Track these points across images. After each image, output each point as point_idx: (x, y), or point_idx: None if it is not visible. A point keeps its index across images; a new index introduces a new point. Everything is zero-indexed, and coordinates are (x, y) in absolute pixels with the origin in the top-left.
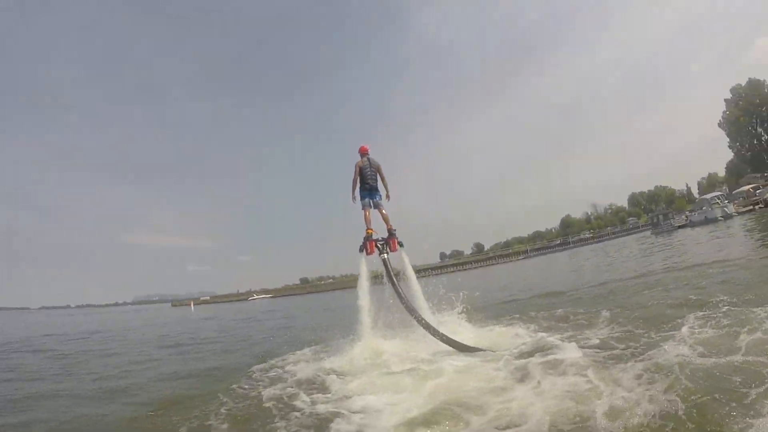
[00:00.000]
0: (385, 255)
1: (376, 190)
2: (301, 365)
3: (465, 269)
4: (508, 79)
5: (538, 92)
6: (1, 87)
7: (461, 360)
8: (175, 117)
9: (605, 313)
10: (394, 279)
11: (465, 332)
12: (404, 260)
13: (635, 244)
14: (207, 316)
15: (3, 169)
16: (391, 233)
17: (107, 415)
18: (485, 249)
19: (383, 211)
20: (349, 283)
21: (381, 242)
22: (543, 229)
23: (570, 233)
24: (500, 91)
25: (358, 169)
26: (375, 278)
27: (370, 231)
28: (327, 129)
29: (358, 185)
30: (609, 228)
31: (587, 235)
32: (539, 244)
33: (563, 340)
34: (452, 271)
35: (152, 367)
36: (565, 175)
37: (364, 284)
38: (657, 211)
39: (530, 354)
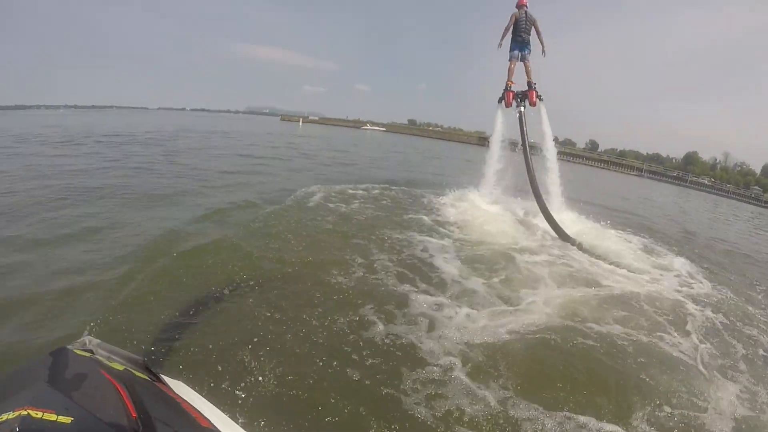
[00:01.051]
0: (522, 108)
1: (528, 43)
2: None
3: (576, 162)
4: None
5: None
6: None
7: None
8: None
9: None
10: (526, 139)
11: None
12: (542, 115)
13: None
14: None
15: None
16: (531, 86)
17: None
18: (599, 149)
19: (528, 65)
20: (455, 136)
21: (520, 94)
22: (664, 155)
23: (690, 171)
24: None
25: (513, 20)
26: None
27: (510, 83)
28: None
29: (510, 36)
30: (730, 185)
31: (705, 182)
32: (654, 167)
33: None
34: (560, 159)
35: None
36: (712, 112)
37: (497, 138)
38: None
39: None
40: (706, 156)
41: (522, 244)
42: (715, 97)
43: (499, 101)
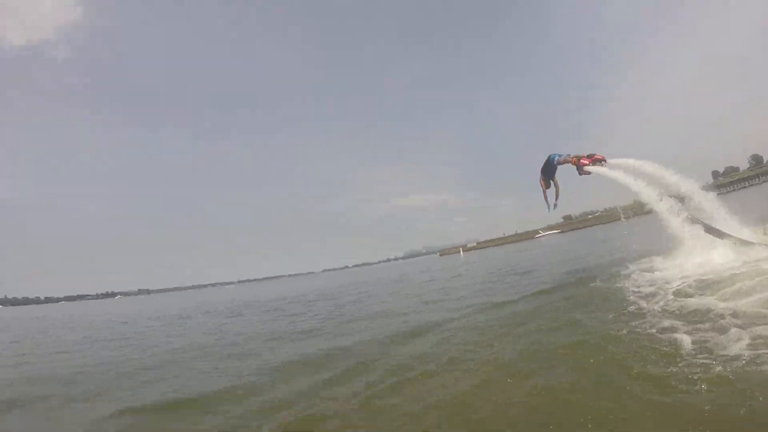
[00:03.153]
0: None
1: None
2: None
3: (745, 186)
4: None
5: None
6: None
7: None
8: None
9: None
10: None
11: None
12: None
13: None
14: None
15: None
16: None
17: None
18: (764, 161)
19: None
20: (612, 216)
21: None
22: None
23: None
24: None
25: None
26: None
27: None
28: None
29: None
30: None
31: None
32: None
33: None
34: (728, 191)
35: None
36: None
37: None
38: None
39: None
40: None
41: None
42: None
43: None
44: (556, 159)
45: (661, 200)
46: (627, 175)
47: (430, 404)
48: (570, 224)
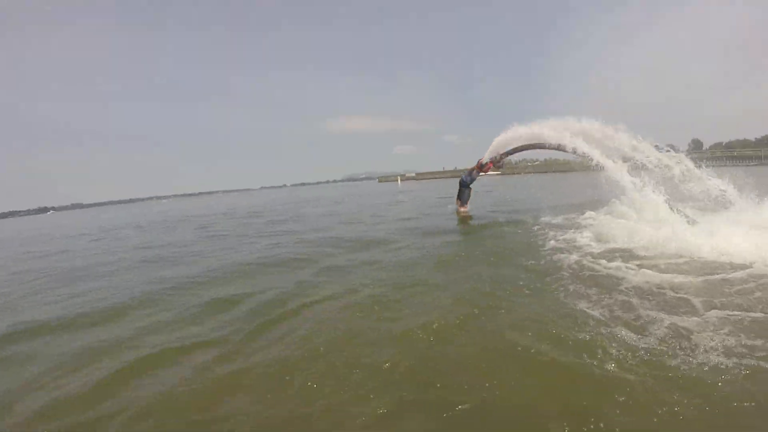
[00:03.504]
0: None
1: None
2: None
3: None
4: None
5: None
6: None
7: None
8: None
9: None
10: None
11: None
12: None
13: None
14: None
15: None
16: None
17: None
18: (703, 148)
19: None
20: (558, 167)
21: None
22: None
23: None
24: None
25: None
26: None
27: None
28: None
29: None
30: None
31: None
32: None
33: None
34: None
35: None
36: None
37: None
38: None
39: None
40: None
41: None
42: None
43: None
44: (467, 180)
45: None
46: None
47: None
48: (511, 168)
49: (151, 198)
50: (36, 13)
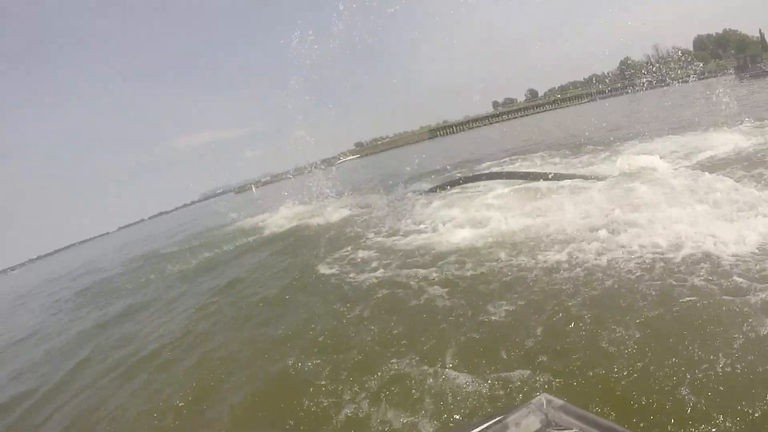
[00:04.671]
0: None
1: None
2: None
3: (522, 116)
4: None
5: None
6: None
7: None
8: None
9: None
10: None
11: None
12: None
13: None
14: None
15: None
16: None
17: None
18: (539, 95)
19: None
20: (404, 139)
21: None
22: (599, 73)
23: (631, 76)
24: None
25: None
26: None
27: None
28: None
29: None
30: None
31: (648, 80)
32: (594, 88)
33: None
34: (506, 119)
35: None
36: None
37: None
38: (746, 52)
39: None
40: (638, 56)
41: None
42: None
43: None
44: None
45: None
46: None
47: None
48: (365, 149)
49: None
50: None
